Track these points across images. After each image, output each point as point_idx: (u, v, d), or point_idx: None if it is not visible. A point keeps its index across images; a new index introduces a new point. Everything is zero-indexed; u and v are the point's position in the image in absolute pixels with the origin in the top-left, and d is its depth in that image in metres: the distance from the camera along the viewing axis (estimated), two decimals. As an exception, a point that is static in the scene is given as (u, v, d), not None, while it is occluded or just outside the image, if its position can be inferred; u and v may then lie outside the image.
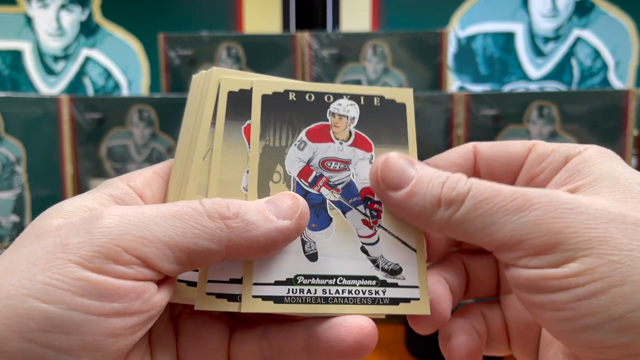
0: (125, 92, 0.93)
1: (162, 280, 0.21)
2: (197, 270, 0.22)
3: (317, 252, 0.23)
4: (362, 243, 0.24)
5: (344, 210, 0.24)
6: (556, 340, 0.24)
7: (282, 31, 0.91)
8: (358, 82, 0.72)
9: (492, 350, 0.27)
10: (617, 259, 0.19)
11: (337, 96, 0.25)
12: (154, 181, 0.24)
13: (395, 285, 0.23)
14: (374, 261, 0.24)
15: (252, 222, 0.21)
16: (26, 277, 0.18)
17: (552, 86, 0.92)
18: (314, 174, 0.24)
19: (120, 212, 0.20)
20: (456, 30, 0.91)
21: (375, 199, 0.25)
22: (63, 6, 0.92)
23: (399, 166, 0.23)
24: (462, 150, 0.26)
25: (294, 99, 0.25)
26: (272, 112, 0.24)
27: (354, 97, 0.26)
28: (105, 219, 0.19)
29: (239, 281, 0.22)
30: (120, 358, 0.20)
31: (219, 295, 0.22)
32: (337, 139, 0.25)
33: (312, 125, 0.25)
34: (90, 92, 0.93)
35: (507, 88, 0.92)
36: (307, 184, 0.24)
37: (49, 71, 0.93)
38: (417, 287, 0.23)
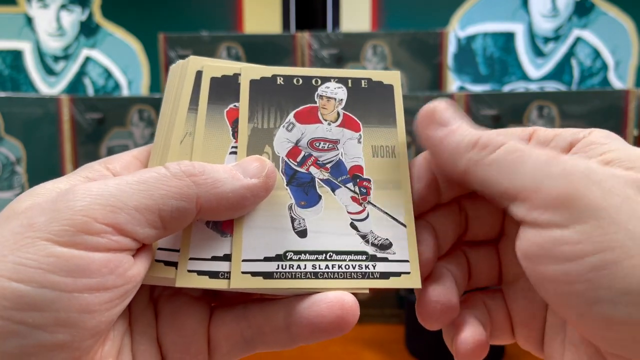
0: (125, 92, 0.93)
1: (138, 251, 0.21)
2: (177, 251, 0.22)
3: (306, 229, 0.23)
4: (352, 219, 0.24)
5: (333, 188, 0.25)
6: (562, 330, 0.24)
7: (282, 31, 0.91)
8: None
9: (496, 340, 0.27)
10: (635, 228, 0.18)
11: (325, 79, 0.26)
12: (132, 164, 0.24)
13: (385, 259, 0.23)
14: (363, 236, 0.24)
15: (219, 179, 0.21)
16: None
17: (552, 86, 0.92)
18: (302, 153, 0.25)
19: (84, 187, 0.20)
20: (456, 30, 0.91)
21: (365, 176, 0.25)
22: (63, 6, 0.92)
23: (452, 111, 0.24)
24: None
25: (282, 83, 0.25)
26: (260, 95, 0.25)
27: (342, 80, 0.26)
28: (71, 194, 0.19)
29: (220, 258, 0.22)
30: (99, 335, 0.19)
31: (201, 273, 0.22)
32: (325, 120, 0.25)
33: (300, 108, 0.25)
34: (90, 92, 0.93)
35: (507, 88, 0.92)
36: (295, 164, 0.25)
37: (49, 71, 0.93)
38: (407, 261, 0.23)
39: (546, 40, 0.91)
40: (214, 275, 0.22)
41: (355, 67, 0.72)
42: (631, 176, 0.19)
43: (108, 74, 0.93)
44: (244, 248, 0.23)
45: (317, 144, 0.25)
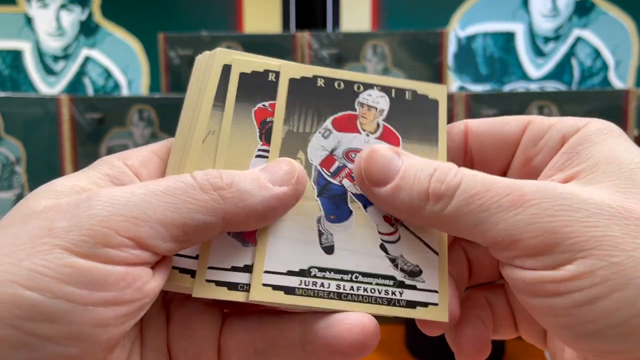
0: (125, 92, 0.93)
1: (158, 263, 0.20)
2: (195, 258, 0.21)
3: (333, 245, 0.22)
4: (382, 240, 0.23)
5: (365, 204, 0.23)
6: None
7: (282, 31, 0.91)
8: (358, 82, 0.72)
9: (500, 335, 0.26)
10: (619, 260, 0.18)
11: (368, 86, 0.24)
12: (151, 160, 0.23)
13: (413, 287, 0.22)
14: (392, 260, 0.22)
15: (247, 191, 0.20)
16: (11, 262, 0.17)
17: (552, 86, 0.91)
18: (337, 163, 0.23)
19: (108, 193, 0.19)
20: (456, 30, 0.91)
21: None
22: (63, 6, 0.92)
23: (384, 159, 0.22)
24: (452, 131, 0.25)
25: (323, 85, 0.24)
26: (299, 96, 0.24)
27: (385, 89, 0.24)
28: (94, 201, 0.18)
29: (240, 269, 0.21)
30: (110, 348, 0.19)
31: (219, 283, 0.21)
32: (364, 130, 0.24)
33: (339, 114, 0.24)
34: (90, 92, 0.93)
35: (507, 88, 0.92)
36: (329, 174, 0.23)
37: (49, 71, 0.93)
38: (436, 291, 0.22)
39: (546, 40, 0.91)
40: (232, 286, 0.21)
41: (355, 67, 0.72)
42: (612, 203, 0.19)
43: (108, 74, 0.93)
44: (267, 259, 0.21)
45: (353, 155, 0.24)
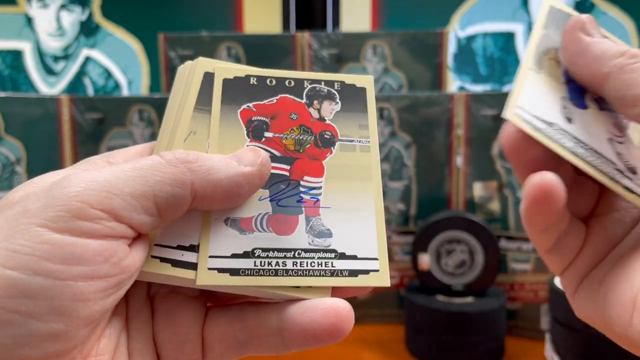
0: (125, 92, 0.93)
1: (135, 241, 0.20)
2: (175, 248, 0.22)
3: (573, 118, 0.25)
4: (611, 136, 0.25)
5: (601, 107, 0.26)
6: (600, 277, 0.24)
7: (282, 31, 0.91)
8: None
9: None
10: None
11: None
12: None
13: (630, 179, 0.24)
14: (617, 153, 0.25)
15: (213, 166, 0.21)
16: None
17: (552, 86, 0.92)
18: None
19: (80, 174, 0.20)
20: (456, 30, 0.91)
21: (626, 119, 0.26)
22: (63, 6, 0.92)
23: (600, 28, 0.26)
24: None
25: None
26: (554, 25, 0.28)
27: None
28: (65, 181, 0.19)
29: (240, 256, 0.23)
30: (93, 324, 0.19)
31: (221, 270, 0.22)
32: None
33: None
34: (90, 92, 0.93)
35: (507, 88, 0.92)
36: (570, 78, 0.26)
37: (49, 71, 0.93)
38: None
39: (546, 40, 0.91)
40: (235, 272, 0.22)
41: (356, 67, 0.72)
42: None
43: (108, 74, 0.93)
44: (521, 97, 0.24)
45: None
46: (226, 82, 0.26)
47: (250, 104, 0.25)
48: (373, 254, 0.24)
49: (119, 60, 0.93)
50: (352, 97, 0.27)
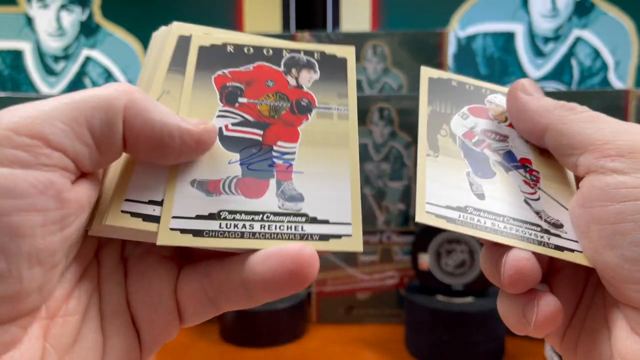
0: (125, 92, 0.93)
1: (80, 178, 0.19)
2: (146, 203, 0.21)
3: (484, 194, 0.26)
4: (525, 197, 0.26)
5: (506, 170, 0.27)
6: (582, 322, 0.25)
7: (282, 31, 0.91)
8: (358, 82, 0.72)
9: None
10: None
11: (493, 91, 0.30)
12: None
13: (558, 236, 0.25)
14: (537, 213, 0.26)
15: (154, 107, 0.20)
16: None
17: (552, 86, 0.92)
18: (477, 137, 0.28)
19: (8, 109, 0.19)
20: (456, 30, 0.91)
21: (534, 167, 0.27)
22: (63, 6, 0.92)
23: (539, 88, 0.28)
24: None
25: (455, 85, 0.29)
26: (437, 93, 0.29)
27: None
28: None
29: (205, 217, 0.22)
30: (40, 266, 0.18)
31: (183, 231, 0.21)
32: (495, 119, 0.29)
33: (473, 105, 0.29)
34: (90, 92, 0.93)
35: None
36: (471, 143, 0.28)
37: (49, 71, 0.93)
38: (577, 241, 0.25)
39: (546, 40, 0.91)
40: (197, 233, 0.21)
41: (356, 67, 0.72)
42: None
43: (108, 74, 0.93)
44: (428, 192, 0.25)
45: (489, 134, 0.28)
46: (202, 49, 0.26)
47: (226, 70, 0.25)
48: (346, 219, 0.23)
49: (119, 60, 0.93)
50: (332, 67, 0.27)
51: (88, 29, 0.92)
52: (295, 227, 0.22)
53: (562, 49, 0.91)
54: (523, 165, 0.27)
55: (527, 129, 0.27)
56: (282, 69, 0.26)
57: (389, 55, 0.72)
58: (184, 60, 0.25)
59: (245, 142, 0.24)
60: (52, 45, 0.93)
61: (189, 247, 0.23)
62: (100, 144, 0.19)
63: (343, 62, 0.27)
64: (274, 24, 0.91)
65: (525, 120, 0.27)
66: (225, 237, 0.22)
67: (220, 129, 0.24)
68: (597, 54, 0.91)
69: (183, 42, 0.26)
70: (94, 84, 0.93)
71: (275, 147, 0.24)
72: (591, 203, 0.23)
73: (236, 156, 0.24)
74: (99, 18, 0.92)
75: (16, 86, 0.93)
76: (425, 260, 0.60)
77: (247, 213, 0.22)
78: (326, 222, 0.23)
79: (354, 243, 0.23)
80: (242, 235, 0.22)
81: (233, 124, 0.24)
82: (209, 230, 0.22)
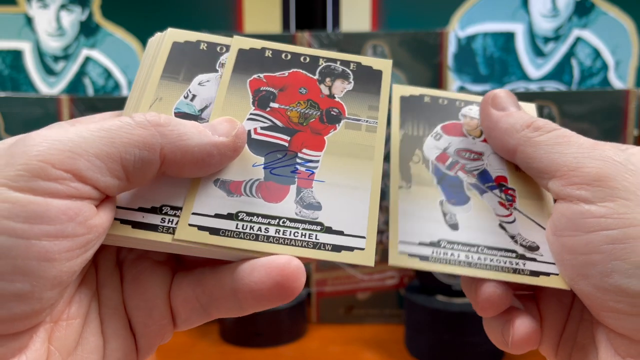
0: (125, 92, 0.93)
1: (102, 202, 0.20)
2: (135, 210, 0.22)
3: (457, 223, 0.26)
4: (500, 221, 0.26)
5: (481, 192, 0.27)
6: (573, 337, 0.25)
7: (282, 31, 0.91)
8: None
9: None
10: None
11: (467, 103, 0.30)
12: None
13: (534, 259, 0.25)
14: (512, 237, 0.26)
15: (185, 133, 0.21)
16: None
17: (552, 86, 0.92)
18: (450, 159, 0.28)
19: (42, 132, 0.19)
20: (456, 30, 0.91)
21: (509, 185, 0.27)
22: (63, 6, 0.92)
23: (511, 99, 0.27)
24: None
25: (429, 101, 0.29)
26: (410, 110, 0.29)
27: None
28: (27, 140, 0.19)
29: (223, 217, 0.22)
30: (60, 286, 0.19)
31: (201, 228, 0.22)
32: (470, 135, 0.29)
33: (447, 122, 0.29)
34: (90, 92, 0.93)
35: (507, 88, 0.92)
36: (444, 167, 0.27)
37: (49, 71, 0.93)
38: (554, 263, 0.25)
39: (546, 40, 0.91)
40: (214, 232, 0.22)
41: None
42: None
43: (108, 74, 0.93)
44: (400, 229, 0.25)
45: (464, 154, 0.28)
46: (241, 52, 0.26)
47: (261, 75, 0.26)
48: (361, 232, 0.23)
49: (119, 60, 0.93)
50: (367, 79, 0.27)
51: (88, 29, 0.92)
52: (309, 235, 0.23)
53: (562, 49, 0.91)
54: (498, 184, 0.27)
55: (498, 147, 0.27)
56: (316, 77, 0.26)
57: (389, 55, 0.72)
58: (177, 67, 0.25)
59: (271, 146, 0.24)
60: (52, 45, 0.93)
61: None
62: (131, 176, 0.20)
63: (378, 74, 0.27)
64: (274, 24, 0.91)
65: (496, 138, 0.27)
66: (240, 237, 0.22)
67: (248, 131, 0.24)
68: (597, 54, 0.91)
69: (177, 49, 0.26)
70: (94, 84, 0.93)
71: (299, 154, 0.25)
72: (562, 232, 0.23)
73: (261, 159, 0.24)
74: (99, 18, 0.92)
75: (16, 86, 0.93)
76: (425, 260, 0.60)
77: (264, 216, 0.23)
78: (340, 233, 0.23)
79: (366, 257, 0.23)
80: (256, 237, 0.22)
81: (262, 128, 0.25)
82: (225, 230, 0.22)
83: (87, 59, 0.93)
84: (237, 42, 0.26)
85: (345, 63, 0.27)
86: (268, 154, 0.24)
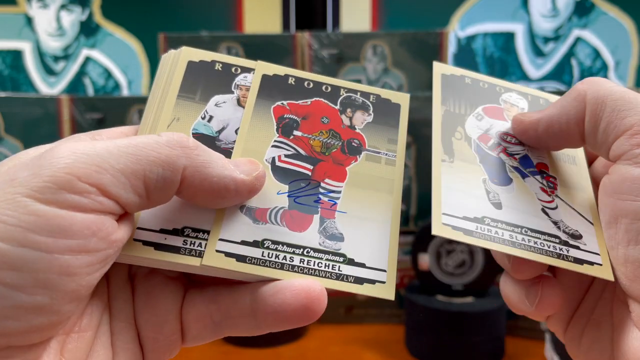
0: (125, 92, 0.93)
1: (121, 218, 0.20)
2: (158, 232, 0.22)
3: (501, 202, 0.25)
4: (543, 206, 0.25)
5: (523, 176, 0.26)
6: (588, 313, 0.25)
7: (282, 31, 0.91)
8: (358, 82, 0.72)
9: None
10: None
11: (507, 89, 0.29)
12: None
13: (577, 247, 0.24)
14: (555, 223, 0.25)
15: (210, 162, 0.21)
16: None
17: (552, 86, 0.92)
18: (492, 140, 0.27)
19: (71, 145, 0.19)
20: (456, 30, 0.91)
21: (550, 172, 0.27)
22: (63, 6, 0.92)
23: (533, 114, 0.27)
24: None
25: (469, 82, 0.29)
26: (450, 89, 0.28)
27: (521, 94, 0.28)
28: (55, 152, 0.18)
29: (249, 244, 0.23)
30: (78, 300, 0.19)
31: (228, 254, 0.22)
32: (511, 120, 0.28)
33: (488, 105, 0.28)
34: (90, 92, 0.93)
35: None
36: (487, 147, 0.27)
37: (49, 71, 0.93)
38: (598, 254, 0.24)
39: (546, 40, 0.91)
40: (241, 259, 0.22)
41: (356, 67, 0.72)
42: None
43: (108, 74, 0.93)
44: (443, 202, 0.24)
45: (505, 137, 0.27)
46: (265, 78, 0.26)
47: (285, 102, 0.26)
48: (382, 265, 0.24)
49: (119, 60, 0.93)
50: (386, 111, 0.27)
51: (88, 29, 0.92)
52: (332, 266, 0.23)
53: (562, 49, 0.91)
54: (540, 171, 0.27)
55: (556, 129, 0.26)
56: (338, 107, 0.27)
57: (389, 55, 0.72)
58: (193, 87, 0.25)
59: (295, 174, 0.25)
60: (52, 45, 0.93)
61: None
62: (151, 195, 0.20)
63: (397, 107, 0.28)
64: (274, 24, 0.91)
65: (554, 124, 0.26)
66: (266, 266, 0.22)
67: (273, 158, 0.25)
68: (597, 54, 0.91)
69: (192, 68, 0.26)
70: (94, 84, 0.93)
71: (322, 184, 0.25)
72: (620, 195, 0.23)
73: (285, 187, 0.24)
74: (99, 18, 0.92)
75: (16, 86, 0.93)
76: (425, 260, 0.60)
77: (289, 245, 0.23)
78: (362, 265, 0.23)
79: (387, 291, 0.23)
80: (282, 266, 0.23)
81: (286, 156, 0.25)
82: (252, 257, 0.22)
83: (87, 59, 0.93)
84: (261, 68, 0.26)
85: (365, 95, 0.27)
86: (292, 182, 0.24)
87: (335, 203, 0.25)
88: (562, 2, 0.90)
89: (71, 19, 0.92)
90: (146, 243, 0.22)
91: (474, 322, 0.55)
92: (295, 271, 0.23)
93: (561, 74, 0.91)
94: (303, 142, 0.25)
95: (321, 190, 0.25)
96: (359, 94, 0.27)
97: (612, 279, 0.23)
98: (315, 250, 0.23)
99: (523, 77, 0.92)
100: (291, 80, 0.27)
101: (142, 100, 0.66)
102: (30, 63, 0.93)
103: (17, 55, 0.93)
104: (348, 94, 0.27)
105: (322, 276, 0.23)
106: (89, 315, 0.21)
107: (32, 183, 0.18)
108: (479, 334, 0.56)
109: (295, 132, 0.25)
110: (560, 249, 0.24)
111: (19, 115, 0.65)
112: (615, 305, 0.24)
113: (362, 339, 0.63)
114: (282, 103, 0.26)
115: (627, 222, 0.22)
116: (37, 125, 0.65)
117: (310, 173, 0.25)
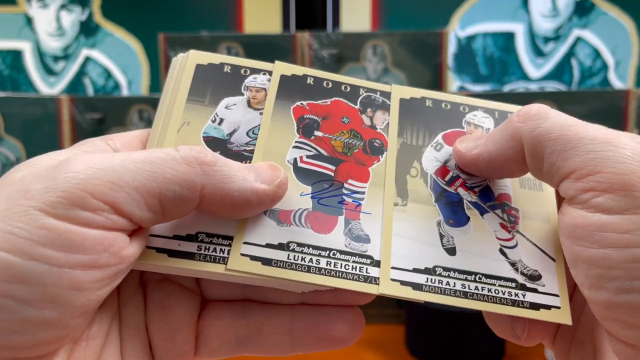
0: (125, 92, 0.93)
1: (134, 232, 0.20)
2: (171, 238, 0.22)
3: (455, 247, 0.24)
4: (501, 245, 0.24)
5: (482, 212, 0.25)
6: (572, 330, 0.24)
7: (282, 31, 0.91)
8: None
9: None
10: None
11: (473, 108, 0.27)
12: (133, 144, 0.23)
13: (535, 290, 0.23)
14: (512, 264, 0.24)
15: (229, 176, 0.20)
16: None
17: (552, 86, 0.92)
18: (450, 173, 0.26)
19: (87, 158, 0.19)
20: (456, 30, 0.91)
21: (513, 205, 0.25)
22: (63, 6, 0.92)
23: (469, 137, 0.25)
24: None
25: (431, 105, 0.27)
26: (410, 114, 0.27)
27: (489, 111, 0.27)
28: (71, 164, 0.18)
29: (274, 247, 0.22)
30: (87, 314, 0.19)
31: (253, 258, 0.22)
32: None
33: (449, 130, 0.26)
34: (90, 92, 0.93)
35: (507, 88, 0.92)
36: (444, 182, 0.25)
37: (49, 71, 0.93)
38: (557, 295, 0.23)
39: (546, 40, 0.91)
40: (267, 262, 0.22)
41: (356, 67, 0.72)
42: None
43: (108, 74, 0.93)
44: (393, 254, 0.23)
45: None
46: (283, 78, 0.26)
47: (304, 102, 0.26)
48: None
49: (119, 60, 0.93)
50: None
51: (88, 29, 0.92)
52: (360, 269, 0.23)
53: (562, 49, 0.91)
54: (501, 203, 0.25)
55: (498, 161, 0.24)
56: (358, 106, 0.26)
57: (389, 55, 0.72)
58: (203, 90, 0.25)
59: (317, 175, 0.24)
60: (52, 45, 0.93)
61: (215, 281, 0.23)
62: (167, 212, 0.20)
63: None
64: (274, 24, 0.91)
65: (491, 153, 0.24)
66: (293, 269, 0.22)
67: (295, 159, 0.24)
68: (597, 54, 0.91)
69: (200, 71, 0.26)
70: (94, 84, 0.93)
71: (345, 185, 0.24)
72: (575, 240, 0.21)
73: (308, 189, 0.24)
74: (98, 18, 0.92)
75: (16, 86, 0.93)
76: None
77: (314, 247, 0.23)
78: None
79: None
80: (308, 269, 0.22)
81: (307, 157, 0.25)
82: (278, 260, 0.22)
83: (87, 59, 0.93)
84: (279, 68, 0.26)
85: (385, 94, 0.27)
86: (315, 184, 0.24)
87: (360, 204, 0.24)
88: (562, 2, 0.90)
89: (71, 19, 0.92)
90: (160, 250, 0.21)
91: (474, 322, 0.55)
92: (322, 274, 0.22)
93: (561, 74, 0.91)
94: (324, 142, 0.25)
95: (345, 191, 0.24)
96: (378, 93, 0.27)
97: (569, 322, 0.23)
98: (341, 252, 0.23)
99: (523, 77, 0.92)
100: (310, 80, 0.26)
101: (142, 101, 0.66)
102: (30, 63, 0.93)
103: (17, 55, 0.93)
104: (368, 94, 0.27)
105: (349, 278, 0.23)
106: (98, 323, 0.21)
107: (46, 197, 0.17)
108: (479, 334, 0.56)
109: (316, 133, 0.25)
110: (516, 294, 0.23)
111: (18, 115, 0.65)
112: (595, 329, 0.23)
113: (362, 339, 0.62)
114: (301, 103, 0.26)
115: (585, 268, 0.20)
116: (37, 125, 0.65)
117: (332, 174, 0.25)
